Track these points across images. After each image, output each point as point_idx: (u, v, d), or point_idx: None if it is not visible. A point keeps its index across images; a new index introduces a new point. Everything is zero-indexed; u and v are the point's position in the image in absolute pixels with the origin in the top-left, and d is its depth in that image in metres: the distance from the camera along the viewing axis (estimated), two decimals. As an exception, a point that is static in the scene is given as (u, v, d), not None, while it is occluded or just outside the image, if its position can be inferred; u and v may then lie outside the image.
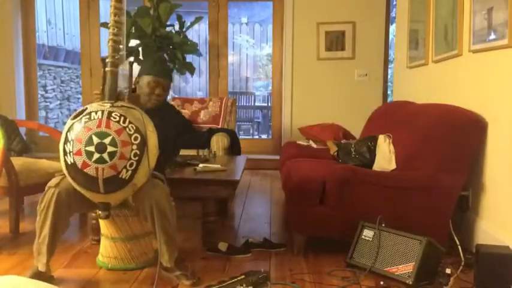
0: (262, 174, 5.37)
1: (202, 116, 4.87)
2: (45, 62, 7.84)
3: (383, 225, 2.53)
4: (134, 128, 2.10)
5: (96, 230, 2.88)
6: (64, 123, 8.42)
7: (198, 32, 8.19)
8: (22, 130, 4.69)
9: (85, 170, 2.05)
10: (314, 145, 4.24)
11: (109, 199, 2.21)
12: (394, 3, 5.32)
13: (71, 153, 2.06)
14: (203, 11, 6.20)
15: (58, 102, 8.36)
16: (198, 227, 3.00)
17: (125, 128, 2.08)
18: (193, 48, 5.17)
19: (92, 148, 2.03)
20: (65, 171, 2.15)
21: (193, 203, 3.35)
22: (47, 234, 2.25)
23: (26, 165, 3.16)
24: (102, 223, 2.56)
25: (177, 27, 5.18)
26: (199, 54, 5.49)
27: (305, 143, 4.36)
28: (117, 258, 2.51)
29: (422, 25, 3.86)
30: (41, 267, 2.28)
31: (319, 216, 2.71)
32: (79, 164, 2.05)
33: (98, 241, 2.87)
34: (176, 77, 8.65)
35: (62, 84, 8.43)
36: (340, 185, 2.65)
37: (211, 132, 4.43)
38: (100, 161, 2.03)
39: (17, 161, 3.15)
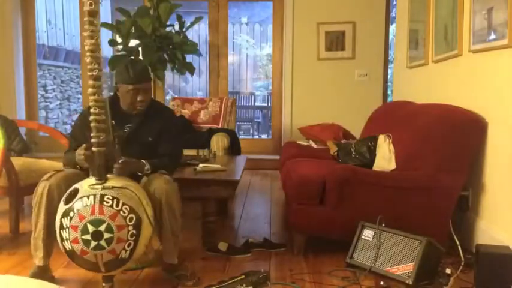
0: (262, 174, 5.37)
1: (202, 116, 4.87)
2: (45, 62, 7.84)
3: (383, 225, 2.53)
4: (128, 209, 2.06)
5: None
6: (64, 124, 8.44)
7: (198, 32, 8.19)
8: (22, 130, 4.69)
9: (85, 257, 2.05)
10: (314, 145, 4.24)
11: (111, 273, 2.21)
12: (394, 3, 5.32)
13: (68, 241, 2.06)
14: (203, 11, 6.20)
15: (58, 102, 8.36)
16: (198, 227, 3.00)
17: (118, 211, 2.04)
18: (193, 48, 5.17)
19: (88, 236, 2.02)
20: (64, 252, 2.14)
21: (193, 203, 3.35)
22: (41, 228, 2.27)
23: (26, 165, 3.16)
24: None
25: (177, 27, 5.18)
26: (199, 54, 5.49)
27: (305, 143, 4.36)
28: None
29: (422, 25, 3.86)
30: (38, 262, 2.30)
31: (319, 216, 2.71)
32: (78, 251, 2.05)
33: (98, 241, 2.86)
34: (176, 77, 8.65)
35: (62, 84, 8.43)
36: (340, 185, 2.65)
37: (211, 132, 4.43)
38: (98, 248, 2.02)
39: (17, 161, 3.15)
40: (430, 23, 3.66)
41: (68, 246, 2.07)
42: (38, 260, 2.31)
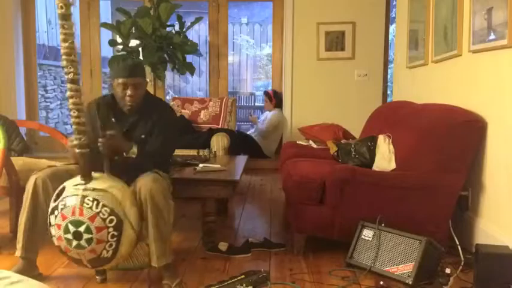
0: (262, 174, 5.37)
1: (203, 116, 4.87)
2: (45, 62, 7.84)
3: (383, 225, 2.53)
4: (108, 211, 2.08)
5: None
6: (64, 124, 8.45)
7: (198, 32, 8.20)
8: (22, 130, 4.69)
9: (68, 254, 2.14)
10: (314, 145, 4.24)
11: (101, 268, 2.28)
12: (394, 3, 5.32)
13: (55, 237, 2.14)
14: (203, 11, 6.21)
15: (58, 102, 8.37)
16: (198, 227, 3.00)
17: (98, 213, 2.07)
18: (194, 49, 5.18)
19: (69, 236, 2.09)
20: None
21: (194, 202, 3.35)
22: (24, 220, 2.31)
23: (26, 165, 3.16)
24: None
25: (177, 27, 5.18)
26: (200, 55, 5.50)
27: (305, 143, 4.36)
28: (117, 258, 2.52)
29: (422, 25, 3.87)
30: (17, 253, 2.33)
31: (319, 216, 2.71)
32: (63, 248, 2.14)
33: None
34: (176, 77, 8.66)
35: (62, 85, 8.44)
36: (340, 185, 2.65)
37: (211, 132, 4.43)
38: (79, 247, 2.09)
39: (18, 161, 3.15)
40: (430, 23, 3.66)
41: (56, 242, 2.15)
42: (17, 252, 2.33)
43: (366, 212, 2.62)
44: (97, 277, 2.34)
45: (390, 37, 5.89)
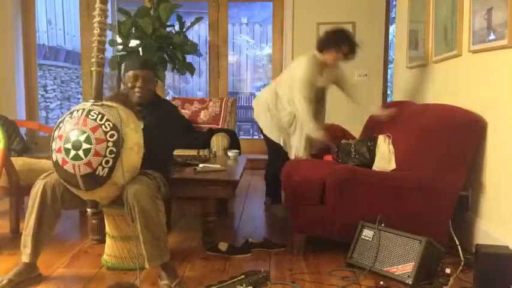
0: (262, 174, 5.35)
1: (203, 116, 4.87)
2: (45, 62, 7.84)
3: (383, 225, 2.53)
4: (111, 125, 2.13)
5: (96, 230, 2.89)
6: (64, 123, 8.44)
7: (198, 32, 8.20)
8: (22, 130, 4.69)
9: (64, 167, 2.13)
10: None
11: (93, 196, 2.26)
12: (394, 3, 5.32)
13: (54, 151, 2.17)
14: (203, 11, 6.20)
15: (58, 102, 8.37)
16: (198, 227, 3.00)
17: (100, 125, 2.13)
18: (193, 49, 5.18)
19: (69, 145, 2.12)
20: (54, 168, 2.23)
21: (193, 202, 3.35)
22: (32, 225, 2.29)
23: (26, 166, 3.16)
24: (106, 221, 2.58)
25: (177, 27, 5.18)
26: (199, 55, 5.50)
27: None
28: (116, 257, 2.52)
29: (422, 25, 3.87)
30: (25, 259, 2.32)
31: (319, 216, 2.71)
32: (60, 161, 2.15)
33: (98, 241, 2.88)
34: (176, 77, 8.66)
35: (62, 85, 8.44)
36: (340, 185, 2.65)
37: (211, 132, 4.43)
38: (76, 158, 2.11)
39: (18, 161, 3.16)
40: (430, 23, 3.66)
41: (54, 156, 2.17)
42: (25, 257, 2.32)
43: (366, 212, 2.62)
44: (88, 210, 2.32)
45: (390, 37, 5.89)
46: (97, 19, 2.31)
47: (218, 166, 3.18)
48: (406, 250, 2.40)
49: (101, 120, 2.14)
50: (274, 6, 5.93)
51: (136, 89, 2.53)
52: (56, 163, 2.17)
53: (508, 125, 2.49)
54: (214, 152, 3.83)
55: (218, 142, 4.18)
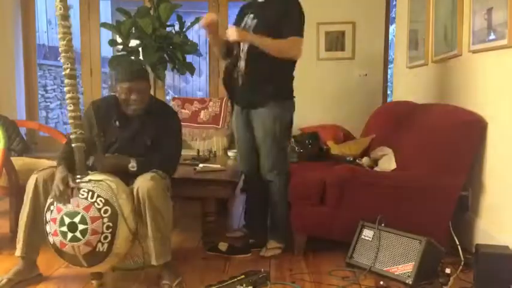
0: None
1: (203, 116, 4.87)
2: (45, 62, 7.84)
3: (383, 225, 2.53)
4: (103, 201, 2.13)
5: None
6: (64, 123, 8.45)
7: (198, 32, 8.18)
8: (22, 130, 4.68)
9: (64, 249, 2.14)
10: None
11: (96, 269, 2.27)
12: (394, 3, 5.32)
13: (50, 234, 2.16)
14: (203, 11, 6.20)
15: (58, 102, 8.37)
16: (198, 227, 3.00)
17: (93, 203, 2.12)
18: (194, 49, 5.16)
19: (64, 228, 2.11)
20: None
21: (193, 202, 3.35)
22: (24, 219, 2.31)
23: (26, 165, 3.16)
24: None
25: (177, 27, 5.17)
26: (200, 55, 5.48)
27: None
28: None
29: (422, 25, 3.86)
30: (17, 252, 2.33)
31: (319, 216, 2.71)
32: (58, 244, 2.14)
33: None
34: (176, 77, 8.65)
35: (62, 84, 8.43)
36: (340, 185, 2.65)
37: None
38: (74, 239, 2.10)
39: (18, 161, 3.15)
40: (430, 23, 3.66)
41: (51, 239, 2.16)
42: (17, 251, 2.33)
43: (366, 212, 2.62)
44: (93, 282, 2.32)
45: (390, 37, 5.88)
46: (69, 95, 2.31)
47: (218, 166, 3.17)
48: (406, 250, 2.40)
49: (92, 197, 2.13)
50: (274, 6, 5.92)
51: (132, 103, 2.42)
52: (54, 245, 2.17)
53: (508, 125, 2.49)
54: (215, 152, 3.83)
55: (218, 142, 4.17)
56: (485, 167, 2.75)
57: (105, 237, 2.12)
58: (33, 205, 2.30)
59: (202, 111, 4.88)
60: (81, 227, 2.09)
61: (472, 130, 2.72)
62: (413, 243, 2.39)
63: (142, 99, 2.44)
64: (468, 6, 2.93)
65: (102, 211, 2.11)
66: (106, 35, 5.94)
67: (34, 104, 6.06)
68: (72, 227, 2.09)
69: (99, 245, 2.11)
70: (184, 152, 3.64)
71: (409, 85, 4.36)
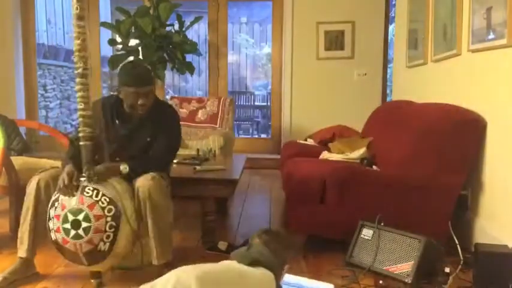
0: (262, 173, 5.37)
1: (200, 115, 4.87)
2: (45, 61, 7.83)
3: (382, 224, 2.54)
4: (107, 200, 2.13)
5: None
6: (64, 123, 8.44)
7: (198, 32, 8.18)
8: (22, 130, 4.69)
9: (66, 246, 2.14)
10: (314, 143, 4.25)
11: (97, 268, 2.27)
12: (394, 2, 5.32)
13: (53, 231, 2.15)
14: (203, 10, 6.20)
15: (58, 101, 8.36)
16: (198, 226, 3.00)
17: (97, 201, 2.12)
18: (193, 48, 5.17)
19: (68, 225, 2.11)
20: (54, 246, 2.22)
21: (193, 202, 3.35)
22: (28, 221, 2.31)
23: (26, 165, 3.16)
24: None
25: (176, 26, 5.18)
26: (199, 54, 5.49)
27: (304, 142, 4.37)
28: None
29: (421, 25, 3.87)
30: (21, 254, 2.33)
31: (319, 216, 2.71)
32: (60, 241, 2.14)
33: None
34: (176, 76, 8.65)
35: (62, 84, 8.42)
36: (340, 185, 2.65)
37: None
38: (77, 237, 2.10)
39: (17, 161, 3.15)
40: (429, 23, 3.67)
41: (53, 236, 2.16)
42: (21, 252, 2.33)
43: (366, 212, 2.62)
44: (92, 281, 2.32)
45: (390, 36, 5.89)
46: (80, 93, 2.26)
47: (218, 166, 3.18)
48: (406, 249, 2.40)
49: (96, 196, 2.13)
50: (273, 5, 5.93)
51: (140, 107, 2.41)
52: (56, 242, 2.17)
53: (507, 125, 2.50)
54: (214, 151, 3.83)
55: (214, 142, 4.18)
56: (484, 166, 2.75)
57: (108, 237, 2.12)
58: (35, 207, 2.29)
59: (200, 111, 4.89)
60: (84, 224, 2.09)
61: (472, 129, 2.72)
62: (413, 243, 2.39)
63: (149, 102, 2.44)
64: (467, 6, 2.93)
65: (106, 210, 2.12)
66: (106, 34, 5.94)
67: (34, 103, 6.06)
68: (76, 224, 2.09)
69: (101, 244, 2.11)
70: (183, 152, 3.66)
71: (408, 84, 4.37)
